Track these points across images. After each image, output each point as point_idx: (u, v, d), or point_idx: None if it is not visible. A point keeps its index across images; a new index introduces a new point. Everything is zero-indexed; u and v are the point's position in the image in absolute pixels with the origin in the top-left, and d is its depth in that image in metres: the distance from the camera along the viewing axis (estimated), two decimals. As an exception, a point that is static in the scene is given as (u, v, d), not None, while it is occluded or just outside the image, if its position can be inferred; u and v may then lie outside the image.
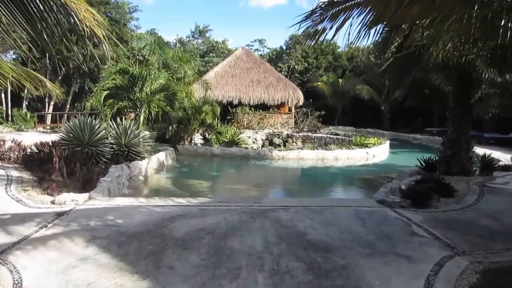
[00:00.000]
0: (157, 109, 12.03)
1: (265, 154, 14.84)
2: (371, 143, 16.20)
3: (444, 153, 9.41)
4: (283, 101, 24.54)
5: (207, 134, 16.87)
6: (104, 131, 10.23)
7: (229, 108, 23.59)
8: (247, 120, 24.05)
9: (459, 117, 9.15)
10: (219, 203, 6.45)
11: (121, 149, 10.44)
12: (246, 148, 15.62)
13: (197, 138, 17.54)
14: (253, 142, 23.36)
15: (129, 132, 10.75)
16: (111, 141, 10.45)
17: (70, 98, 26.03)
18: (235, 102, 24.07)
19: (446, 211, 6.27)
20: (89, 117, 10.50)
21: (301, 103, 25.00)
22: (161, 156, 12.51)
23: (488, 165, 9.64)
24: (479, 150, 16.17)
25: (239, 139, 16.76)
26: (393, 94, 27.73)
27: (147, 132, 22.56)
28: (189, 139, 16.53)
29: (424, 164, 10.07)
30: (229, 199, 6.75)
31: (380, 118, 29.48)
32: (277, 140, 23.47)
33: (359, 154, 15.20)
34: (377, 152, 15.77)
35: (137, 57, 27.69)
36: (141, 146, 11.11)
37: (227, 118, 23.44)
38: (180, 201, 6.57)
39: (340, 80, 32.58)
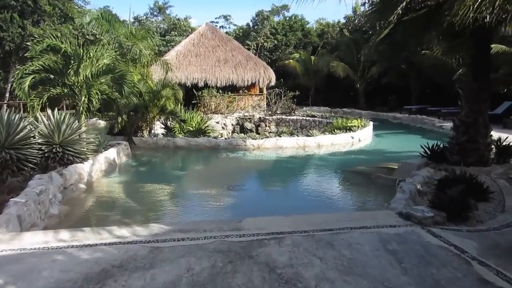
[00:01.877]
0: (100, 96, 9.63)
1: (238, 144, 12.81)
2: (355, 126, 14.52)
3: (457, 140, 7.75)
4: (254, 81, 22.45)
5: (169, 123, 14.57)
6: (28, 128, 7.84)
7: (194, 91, 21.25)
8: (215, 104, 21.85)
9: (476, 95, 7.46)
10: (180, 233, 4.41)
11: (54, 150, 8.09)
12: (215, 137, 13.50)
13: (158, 128, 15.21)
14: (223, 128, 21.27)
15: (64, 127, 8.39)
16: (40, 141, 8.08)
17: (10, 85, 22.69)
18: (201, 84, 21.77)
19: (499, 228, 4.54)
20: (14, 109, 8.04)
21: (273, 83, 23.01)
22: (111, 153, 10.21)
23: (505, 151, 8.09)
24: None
25: (207, 127, 14.59)
26: (369, 70, 26.20)
27: (102, 122, 19.91)
28: (148, 130, 14.19)
29: (429, 152, 8.41)
30: (195, 226, 4.71)
31: (356, 96, 28.00)
32: (248, 125, 21.50)
33: (343, 139, 13.48)
34: (362, 136, 14.11)
35: (87, 36, 24.58)
36: (82, 145, 8.78)
37: (192, 102, 21.15)
38: (123, 233, 4.46)
39: (313, 58, 30.70)
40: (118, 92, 9.82)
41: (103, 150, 10.13)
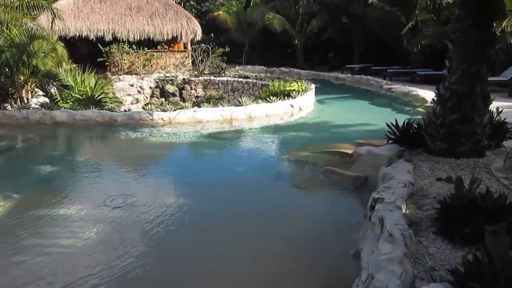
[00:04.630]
0: None
1: (142, 118, 9.52)
2: (294, 90, 11.79)
3: (443, 118, 5.26)
4: (175, 35, 18.63)
5: (52, 90, 10.71)
6: None
7: (100, 46, 17.02)
8: (128, 62, 17.84)
9: (475, 51, 4.93)
10: None
11: None
12: (111, 109, 9.98)
13: (41, 97, 11.29)
14: (139, 92, 17.54)
15: None
16: None
17: None
18: (108, 37, 17.54)
19: None
20: None
21: (199, 37, 19.38)
22: None
23: (500, 130, 5.83)
24: (415, 90, 13.05)
25: (104, 94, 10.90)
26: (308, 24, 23.39)
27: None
28: (18, 99, 10.28)
29: (398, 134, 5.94)
30: None
31: (294, 54, 25.24)
32: (170, 88, 17.94)
33: (281, 109, 10.73)
34: (304, 103, 11.47)
35: None
36: None
37: (98, 60, 16.99)
38: None
39: (247, 10, 27.10)
40: None
41: None
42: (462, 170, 4.80)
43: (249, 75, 16.97)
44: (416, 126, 5.92)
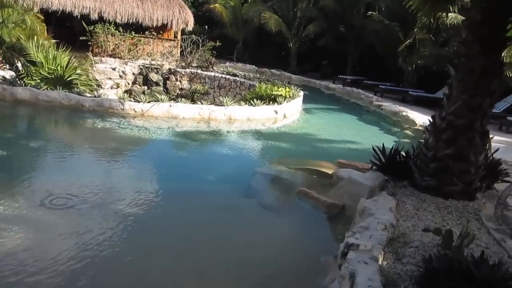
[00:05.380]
0: None
1: (112, 106, 8.75)
2: (281, 96, 11.15)
3: (435, 151, 4.71)
4: (166, 22, 17.79)
5: (20, 65, 9.78)
6: None
7: (84, 24, 16.07)
8: (113, 45, 16.94)
9: (480, 81, 4.39)
10: None
11: None
12: (80, 93, 9.16)
13: (4, 70, 10.37)
14: (121, 77, 16.61)
15: None
16: None
17: None
18: (94, 16, 16.58)
19: None
20: None
21: (190, 27, 18.57)
22: None
23: (492, 170, 5.31)
24: (405, 111, 12.48)
25: (76, 75, 10.00)
26: (305, 28, 22.79)
27: None
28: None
29: (384, 160, 5.38)
30: None
31: (287, 57, 24.62)
32: (154, 76, 17.10)
33: (264, 114, 10.09)
34: (289, 110, 10.86)
35: None
36: None
37: (81, 39, 16.05)
38: None
39: (244, 6, 26.36)
40: None
41: None
42: (449, 213, 4.25)
43: (238, 73, 16.28)
44: (404, 155, 5.37)
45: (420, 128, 10.14)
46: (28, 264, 3.28)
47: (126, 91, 15.91)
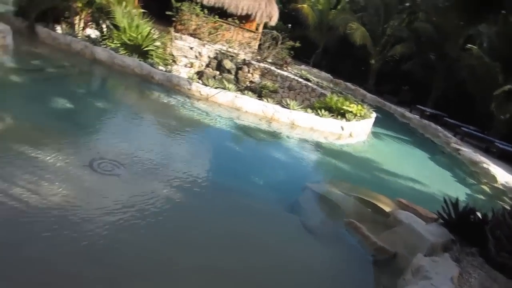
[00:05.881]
0: None
1: (179, 84, 8.66)
2: (351, 112, 10.44)
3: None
4: (250, 13, 17.66)
5: (104, 26, 10.09)
6: None
7: (173, 0, 16.40)
8: (195, 25, 17.13)
9: None
10: None
11: None
12: (153, 64, 9.17)
13: (92, 29, 10.75)
14: (196, 57, 16.76)
15: None
16: None
17: None
18: (183, -6, 16.86)
19: None
20: None
21: (273, 23, 18.30)
22: None
23: None
24: (486, 163, 11.02)
25: (153, 47, 10.08)
26: (391, 48, 21.58)
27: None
28: (69, 24, 9.77)
29: (453, 216, 4.61)
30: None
31: (366, 73, 23.51)
32: (228, 64, 17.03)
33: (329, 127, 9.48)
34: (357, 129, 10.14)
35: None
36: None
37: (166, 13, 16.39)
38: None
39: (332, 12, 25.58)
40: None
41: None
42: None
43: (311, 79, 15.74)
44: (480, 217, 4.56)
45: (501, 187, 8.96)
46: (71, 216, 3.27)
47: (198, 72, 16.03)
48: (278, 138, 8.32)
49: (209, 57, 17.01)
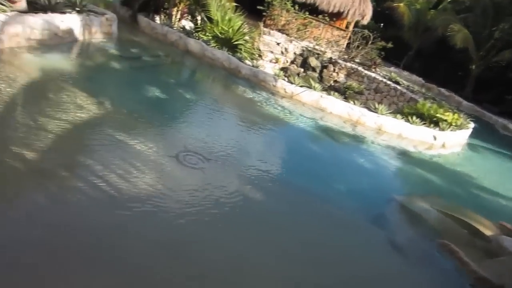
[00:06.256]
0: None
1: (265, 80, 8.63)
2: (445, 121, 9.53)
3: None
4: (342, 10, 17.05)
5: (199, 18, 10.44)
6: None
7: (266, -4, 16.45)
8: (285, 20, 17.06)
9: None
10: None
11: None
12: (242, 59, 9.26)
13: (187, 20, 11.21)
14: (282, 53, 16.68)
15: None
16: None
17: None
18: (276, -11, 16.80)
19: None
20: None
21: (365, 21, 17.49)
22: (67, 19, 6.68)
23: None
24: None
25: (243, 41, 10.22)
26: (498, 53, 19.40)
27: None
28: (167, 15, 10.27)
29: None
30: None
31: (464, 79, 21.46)
32: (313, 61, 16.70)
33: (420, 135, 8.76)
34: (451, 140, 9.24)
35: None
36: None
37: (257, 8, 16.50)
38: None
39: (431, 12, 23.71)
40: None
41: (72, 12, 6.74)
42: None
43: (400, 82, 14.79)
44: None
45: None
46: (156, 207, 3.36)
47: (282, 68, 15.96)
48: (363, 143, 7.87)
49: (295, 53, 16.82)
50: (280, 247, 3.51)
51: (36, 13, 6.30)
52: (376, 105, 8.86)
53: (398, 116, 8.98)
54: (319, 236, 3.96)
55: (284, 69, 15.77)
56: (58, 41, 6.58)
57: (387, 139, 8.37)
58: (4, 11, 5.62)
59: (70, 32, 6.86)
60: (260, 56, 13.99)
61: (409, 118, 8.96)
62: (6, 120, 3.87)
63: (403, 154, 8.02)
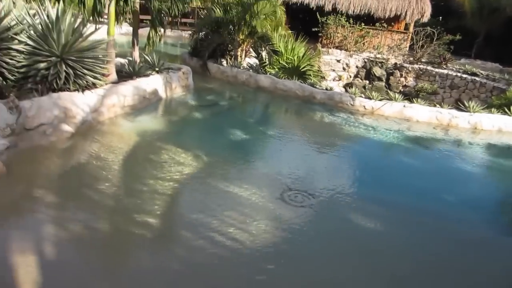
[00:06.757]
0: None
1: (342, 100, 8.53)
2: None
3: None
4: (399, 13, 16.60)
5: (263, 53, 10.75)
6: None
7: (318, 15, 16.60)
8: (341, 36, 16.97)
9: None
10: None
11: (57, 65, 5.28)
12: (313, 84, 9.29)
13: (250, 57, 11.61)
14: (344, 69, 16.56)
15: (65, 28, 5.42)
16: (29, 46, 5.30)
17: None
18: (328, 8, 16.87)
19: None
20: None
21: (425, 19, 16.80)
22: (151, 82, 7.22)
23: None
24: None
25: (309, 66, 10.30)
26: None
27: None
28: (233, 57, 10.74)
29: None
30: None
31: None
32: (378, 71, 16.29)
33: (521, 127, 8.01)
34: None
35: None
36: (95, 63, 5.82)
37: (313, 30, 16.61)
38: None
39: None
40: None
41: (153, 73, 7.34)
42: None
43: (478, 73, 13.80)
44: None
45: None
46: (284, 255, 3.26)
47: (347, 84, 15.76)
48: (460, 146, 7.36)
49: (357, 67, 16.56)
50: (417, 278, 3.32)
51: (125, 80, 6.89)
52: (466, 104, 8.29)
53: (493, 110, 8.31)
54: (448, 259, 3.67)
55: (349, 85, 15.56)
56: (147, 104, 7.10)
57: (486, 137, 7.76)
58: (101, 85, 6.21)
59: (155, 92, 7.40)
60: (323, 77, 13.98)
61: (507, 109, 8.25)
62: (121, 189, 4.17)
63: (510, 150, 7.35)
